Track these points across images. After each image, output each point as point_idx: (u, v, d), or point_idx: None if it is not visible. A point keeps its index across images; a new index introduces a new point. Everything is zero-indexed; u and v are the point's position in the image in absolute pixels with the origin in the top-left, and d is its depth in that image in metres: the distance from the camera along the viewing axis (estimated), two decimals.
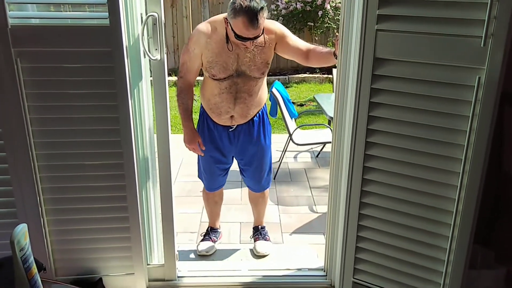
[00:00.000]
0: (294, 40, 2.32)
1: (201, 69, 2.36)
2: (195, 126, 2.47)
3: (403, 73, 1.67)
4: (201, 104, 2.47)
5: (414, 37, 1.62)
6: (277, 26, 2.31)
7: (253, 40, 2.12)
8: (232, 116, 2.36)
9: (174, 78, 6.69)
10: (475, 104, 1.57)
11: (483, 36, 1.49)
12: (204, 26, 2.27)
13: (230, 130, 2.42)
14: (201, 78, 2.49)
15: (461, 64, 1.58)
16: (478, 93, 1.56)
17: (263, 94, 2.42)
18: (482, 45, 1.50)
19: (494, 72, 1.52)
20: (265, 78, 2.40)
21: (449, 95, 1.62)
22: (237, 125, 2.42)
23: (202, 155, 2.52)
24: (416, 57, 1.63)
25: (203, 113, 2.46)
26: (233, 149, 2.51)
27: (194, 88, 2.43)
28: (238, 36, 2.10)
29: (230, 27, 2.13)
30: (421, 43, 1.61)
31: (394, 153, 1.77)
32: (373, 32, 1.67)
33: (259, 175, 2.61)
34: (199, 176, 2.68)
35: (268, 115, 2.67)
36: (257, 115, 2.44)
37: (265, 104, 2.49)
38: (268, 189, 2.73)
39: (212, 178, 2.62)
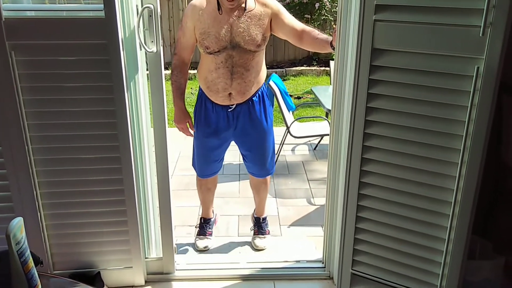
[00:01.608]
0: (289, 18, 2.31)
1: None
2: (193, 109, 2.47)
3: (401, 63, 1.66)
4: (199, 86, 2.45)
5: (412, 27, 1.61)
6: (273, 2, 2.29)
7: None
8: (230, 94, 2.33)
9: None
10: (473, 94, 1.57)
11: (482, 25, 1.48)
12: (197, 0, 2.26)
13: (229, 110, 2.39)
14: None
15: (460, 54, 1.57)
16: (477, 83, 1.56)
17: (262, 71, 2.39)
18: (481, 35, 1.49)
19: (492, 62, 1.51)
20: (263, 55, 2.37)
21: (448, 85, 1.62)
22: (236, 105, 2.38)
23: (191, 136, 2.50)
24: (415, 47, 1.62)
25: (201, 94, 2.43)
26: (231, 132, 2.47)
27: (188, 68, 2.40)
28: None
29: None
30: (419, 33, 1.60)
31: (392, 144, 1.76)
32: (371, 22, 1.66)
33: (262, 159, 2.57)
34: (193, 164, 2.66)
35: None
36: (256, 94, 2.40)
37: (264, 84, 2.45)
38: (271, 175, 2.70)
39: (206, 163, 2.59)
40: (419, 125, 1.69)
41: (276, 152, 3.90)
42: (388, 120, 1.74)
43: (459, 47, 1.56)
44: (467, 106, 1.59)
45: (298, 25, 2.31)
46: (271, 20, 2.27)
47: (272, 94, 3.79)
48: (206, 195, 2.76)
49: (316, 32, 2.27)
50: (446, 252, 1.77)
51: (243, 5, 2.20)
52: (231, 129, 2.45)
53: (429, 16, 1.57)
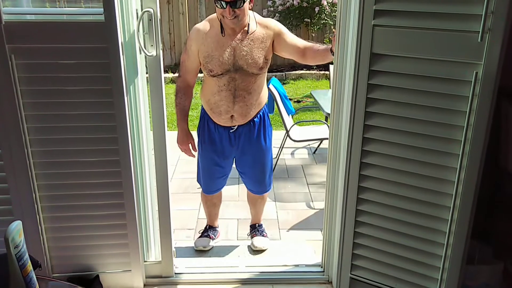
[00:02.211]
0: (291, 37, 2.33)
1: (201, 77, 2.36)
2: (196, 128, 2.49)
3: (400, 68, 1.67)
4: (201, 107, 2.47)
5: (411, 32, 1.61)
6: (274, 24, 2.32)
7: (231, 5, 2.09)
8: (232, 116, 2.35)
9: (170, 75, 6.68)
10: (472, 99, 1.57)
11: (480, 31, 1.48)
12: (201, 24, 2.31)
13: (231, 131, 2.41)
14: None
15: (458, 59, 1.57)
16: (475, 88, 1.56)
17: (263, 94, 2.42)
18: (479, 40, 1.50)
19: (491, 67, 1.52)
20: (265, 77, 2.40)
21: (446, 90, 1.62)
22: (238, 126, 2.41)
23: (194, 157, 2.53)
24: (413, 52, 1.63)
25: (203, 115, 2.45)
26: (233, 151, 2.51)
27: (193, 90, 2.43)
28: (216, 1, 2.11)
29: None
30: (418, 38, 1.61)
31: (391, 149, 1.76)
32: (370, 27, 1.66)
33: (260, 177, 2.60)
34: (198, 180, 2.68)
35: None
36: (258, 115, 2.43)
37: (265, 105, 2.48)
38: (268, 191, 2.72)
39: (211, 180, 2.62)
40: (417, 130, 1.70)
41: (275, 156, 3.91)
42: (386, 124, 1.75)
43: (458, 53, 1.57)
44: (466, 111, 1.60)
45: (300, 43, 2.33)
46: (273, 41, 2.29)
47: (272, 99, 3.80)
48: (212, 209, 2.79)
49: (316, 46, 2.30)
50: (445, 257, 1.77)
51: (246, 28, 2.23)
52: (233, 149, 2.49)
53: (427, 22, 1.58)
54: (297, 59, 2.36)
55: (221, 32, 2.20)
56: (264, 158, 2.55)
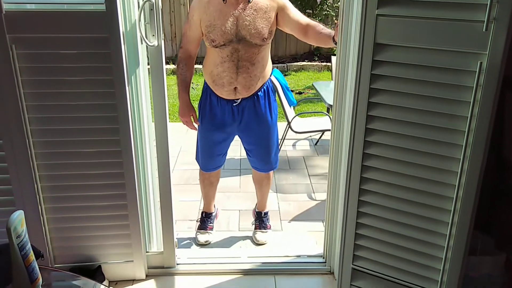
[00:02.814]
0: (295, 13, 2.31)
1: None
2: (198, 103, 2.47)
3: (404, 58, 1.65)
4: (204, 80, 2.44)
5: (415, 22, 1.59)
6: None
7: None
8: (235, 88, 2.32)
9: (171, 66, 6.65)
10: (476, 89, 1.56)
11: (485, 20, 1.46)
12: None
13: (234, 104, 2.38)
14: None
15: (463, 49, 1.56)
16: (480, 79, 1.54)
17: (267, 66, 2.38)
18: (484, 30, 1.48)
19: (496, 57, 1.50)
20: (269, 50, 2.37)
21: (450, 80, 1.61)
22: (242, 100, 2.37)
23: (195, 129, 2.50)
24: (417, 42, 1.61)
25: (206, 89, 2.42)
26: (236, 127, 2.47)
27: (194, 61, 2.40)
28: None
29: None
30: (422, 28, 1.59)
31: (394, 139, 1.75)
32: (373, 17, 1.64)
33: (267, 154, 2.57)
34: (196, 158, 2.65)
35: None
36: (262, 89, 2.39)
37: (269, 79, 2.45)
38: (275, 169, 2.70)
39: (210, 157, 2.59)
40: (421, 120, 1.69)
41: (278, 132, 3.90)
42: (390, 115, 1.74)
43: (462, 42, 1.55)
44: (470, 102, 1.58)
45: (303, 19, 2.31)
46: (277, 14, 2.26)
47: (274, 89, 3.78)
48: (209, 189, 2.76)
49: (320, 27, 2.27)
50: (447, 247, 1.77)
51: None
52: (235, 124, 2.45)
53: (432, 11, 1.56)
54: (298, 36, 2.34)
55: (223, 0, 2.18)
56: (270, 134, 2.52)
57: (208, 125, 2.46)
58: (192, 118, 2.44)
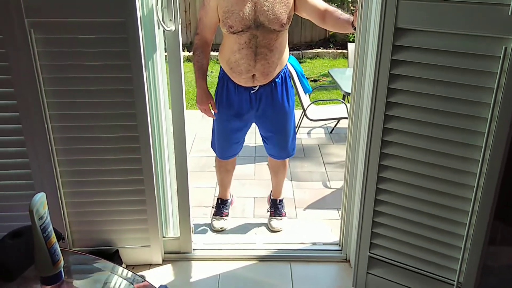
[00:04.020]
0: None
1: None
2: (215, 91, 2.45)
3: (425, 43, 1.61)
4: (220, 68, 2.42)
5: (437, 5, 1.55)
6: None
7: None
8: (253, 75, 2.30)
9: (186, 53, 6.63)
10: (500, 75, 1.52)
11: (511, 3, 1.42)
12: None
13: (252, 91, 2.36)
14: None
15: (487, 33, 1.51)
16: (504, 64, 1.50)
17: (285, 52, 2.35)
18: (509, 13, 1.44)
19: None
20: (286, 35, 2.33)
21: (474, 66, 1.57)
22: (259, 87, 2.35)
23: (213, 117, 2.49)
24: (440, 26, 1.57)
25: (223, 76, 2.40)
26: (253, 114, 2.45)
27: (210, 48, 2.38)
28: None
29: None
30: (445, 11, 1.55)
31: (414, 126, 1.72)
32: (394, 0, 1.61)
33: (284, 141, 2.55)
34: (212, 146, 2.65)
35: None
36: (279, 76, 2.36)
37: (286, 65, 2.42)
38: (291, 157, 2.68)
39: (227, 145, 2.58)
40: (442, 107, 1.65)
41: (295, 119, 3.88)
42: (410, 102, 1.71)
43: (486, 27, 1.51)
44: (493, 88, 1.54)
45: (322, 4, 2.26)
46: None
47: (290, 76, 3.75)
48: (225, 176, 2.76)
49: (339, 12, 2.23)
50: (467, 236, 1.74)
51: None
52: (253, 111, 2.43)
53: None
54: (316, 21, 2.29)
55: None
56: (287, 121, 2.50)
57: (225, 113, 2.44)
58: (210, 106, 2.43)
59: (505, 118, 1.56)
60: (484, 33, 1.52)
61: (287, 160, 2.70)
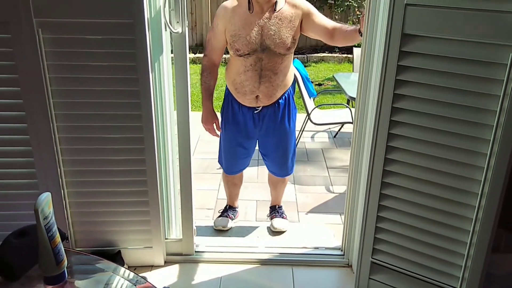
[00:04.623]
0: (320, 18, 2.28)
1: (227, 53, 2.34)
2: (220, 109, 2.48)
3: (432, 50, 1.61)
4: (226, 86, 2.45)
5: (445, 12, 1.55)
6: (303, 3, 2.27)
7: None
8: (257, 97, 2.33)
9: (191, 55, 6.66)
10: (507, 83, 1.51)
11: None
12: (228, 1, 2.26)
13: (255, 112, 2.39)
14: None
15: (494, 41, 1.51)
16: (511, 72, 1.50)
17: (289, 75, 2.38)
18: None
19: None
20: (291, 58, 2.36)
21: (480, 73, 1.56)
22: (262, 107, 2.38)
23: (218, 136, 2.52)
24: (447, 33, 1.57)
25: (228, 95, 2.43)
26: (257, 132, 2.48)
27: (218, 69, 2.41)
28: None
29: None
30: (452, 18, 1.55)
31: (419, 132, 1.72)
32: (402, 6, 1.61)
33: (283, 160, 2.58)
34: (219, 161, 2.67)
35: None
36: (283, 97, 2.39)
37: (291, 87, 2.44)
38: (290, 175, 2.70)
39: (234, 160, 2.61)
40: (448, 113, 1.65)
41: (295, 139, 3.89)
42: (416, 108, 1.70)
43: (494, 34, 1.50)
44: (500, 96, 1.54)
45: (329, 23, 2.27)
46: (301, 21, 2.24)
47: (294, 80, 3.76)
48: (233, 190, 2.79)
49: (345, 26, 2.25)
50: (470, 244, 1.74)
51: (273, 6, 2.18)
52: (257, 130, 2.47)
53: (463, 1, 1.51)
54: (325, 40, 2.31)
55: (249, 9, 2.16)
56: (288, 141, 2.52)
57: (232, 130, 2.47)
58: (214, 126, 2.45)
59: (511, 125, 1.55)
60: (491, 40, 1.52)
61: (287, 177, 2.71)
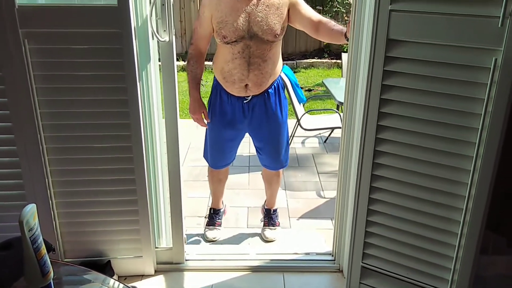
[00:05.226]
0: (307, 9, 2.28)
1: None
2: (208, 100, 2.47)
3: (417, 54, 1.63)
4: (214, 77, 2.43)
5: (429, 17, 1.57)
6: None
7: None
8: (246, 85, 2.31)
9: (181, 63, 6.66)
10: (490, 86, 1.54)
11: (501, 16, 1.44)
12: None
13: (245, 101, 2.37)
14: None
15: (477, 45, 1.54)
16: (494, 75, 1.52)
17: (278, 62, 2.36)
18: (499, 26, 1.46)
19: (511, 53, 1.48)
20: (280, 46, 2.35)
21: (464, 77, 1.59)
22: (252, 97, 2.36)
23: (206, 126, 2.50)
24: (431, 38, 1.59)
25: (216, 85, 2.41)
26: (246, 124, 2.45)
27: (204, 58, 2.39)
28: None
29: None
30: (436, 23, 1.57)
31: (406, 136, 1.74)
32: (386, 12, 1.63)
33: (277, 152, 2.56)
34: (204, 155, 2.64)
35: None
36: (272, 86, 2.37)
37: (280, 76, 2.43)
38: (285, 167, 2.69)
39: (220, 154, 2.58)
40: (434, 117, 1.67)
41: (288, 130, 3.89)
42: (402, 112, 1.72)
43: (477, 38, 1.53)
44: (484, 99, 1.56)
45: (315, 16, 2.29)
46: (288, 10, 2.25)
47: (284, 86, 3.77)
48: (217, 186, 2.76)
49: (332, 23, 2.25)
50: (459, 246, 1.75)
51: None
52: (246, 121, 2.44)
53: (446, 6, 1.54)
54: (310, 32, 2.32)
55: None
56: (281, 132, 2.50)
57: (219, 122, 2.45)
58: (202, 115, 2.44)
59: (495, 128, 1.57)
60: (475, 44, 1.54)
61: (281, 170, 2.70)
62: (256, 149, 2.63)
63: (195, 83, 2.37)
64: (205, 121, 2.45)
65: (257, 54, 2.23)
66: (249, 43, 2.20)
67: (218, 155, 2.59)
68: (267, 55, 2.25)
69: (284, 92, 2.47)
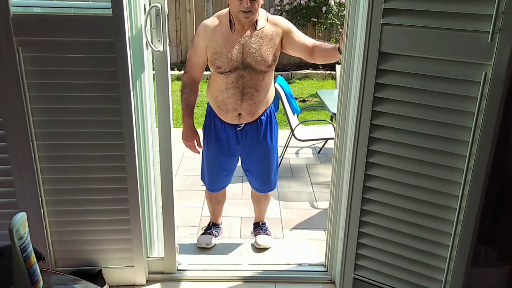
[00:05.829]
0: (300, 36, 2.32)
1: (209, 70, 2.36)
2: (202, 125, 2.49)
3: (408, 68, 1.65)
4: (208, 103, 2.45)
5: (420, 31, 1.60)
6: (283, 21, 2.31)
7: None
8: (240, 114, 2.34)
9: (176, 72, 6.68)
10: (480, 100, 1.56)
11: (491, 31, 1.47)
12: (209, 20, 2.29)
13: (238, 129, 2.40)
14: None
15: (468, 59, 1.56)
16: (484, 89, 1.55)
17: (271, 92, 2.40)
18: (489, 41, 1.48)
19: (500, 68, 1.50)
20: (272, 75, 2.38)
21: (455, 90, 1.61)
22: (245, 124, 2.39)
23: (198, 153, 2.52)
24: (422, 52, 1.61)
25: (210, 112, 2.44)
26: (240, 149, 2.49)
27: (199, 86, 2.41)
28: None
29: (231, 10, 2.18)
30: (427, 37, 1.59)
31: (397, 148, 1.75)
32: (378, 26, 1.65)
33: (266, 176, 2.59)
34: (202, 178, 2.66)
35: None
36: (265, 113, 2.41)
37: (272, 103, 2.46)
38: (273, 190, 2.71)
39: (216, 178, 2.61)
40: (425, 130, 1.68)
41: (280, 155, 3.90)
42: (394, 124, 1.74)
43: (467, 53, 1.55)
44: (474, 112, 1.58)
45: (309, 41, 2.32)
46: (282, 39, 2.28)
47: (278, 97, 3.79)
48: (216, 207, 2.79)
49: (324, 44, 2.29)
50: (450, 258, 1.76)
51: (254, 25, 2.21)
52: (240, 147, 2.48)
53: (437, 21, 1.56)
54: (305, 57, 2.35)
55: (230, 27, 2.19)
56: (270, 157, 2.53)
57: (214, 147, 2.48)
58: (195, 142, 2.46)
59: (486, 141, 1.59)
60: (465, 59, 1.56)
61: (270, 193, 2.72)
62: (245, 172, 2.65)
63: (188, 110, 2.39)
64: (198, 148, 2.48)
65: (250, 84, 2.26)
66: (243, 73, 2.23)
67: (215, 178, 2.61)
68: (260, 85, 2.29)
69: (275, 118, 2.50)
